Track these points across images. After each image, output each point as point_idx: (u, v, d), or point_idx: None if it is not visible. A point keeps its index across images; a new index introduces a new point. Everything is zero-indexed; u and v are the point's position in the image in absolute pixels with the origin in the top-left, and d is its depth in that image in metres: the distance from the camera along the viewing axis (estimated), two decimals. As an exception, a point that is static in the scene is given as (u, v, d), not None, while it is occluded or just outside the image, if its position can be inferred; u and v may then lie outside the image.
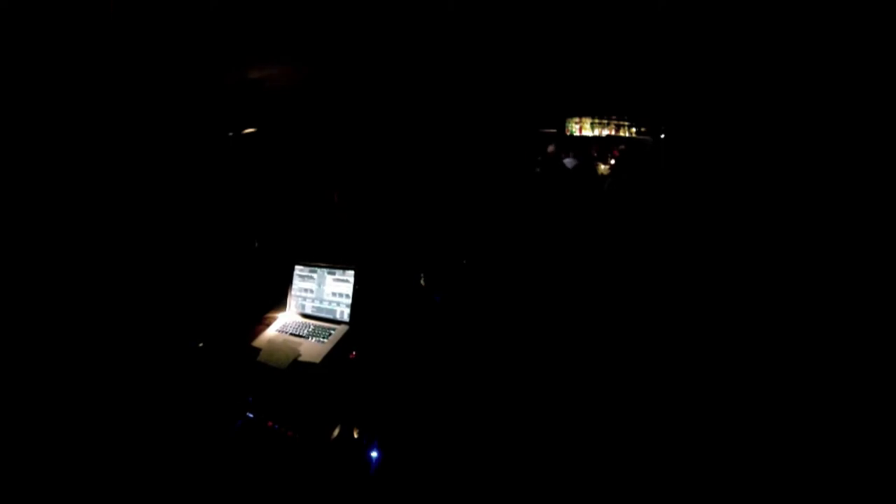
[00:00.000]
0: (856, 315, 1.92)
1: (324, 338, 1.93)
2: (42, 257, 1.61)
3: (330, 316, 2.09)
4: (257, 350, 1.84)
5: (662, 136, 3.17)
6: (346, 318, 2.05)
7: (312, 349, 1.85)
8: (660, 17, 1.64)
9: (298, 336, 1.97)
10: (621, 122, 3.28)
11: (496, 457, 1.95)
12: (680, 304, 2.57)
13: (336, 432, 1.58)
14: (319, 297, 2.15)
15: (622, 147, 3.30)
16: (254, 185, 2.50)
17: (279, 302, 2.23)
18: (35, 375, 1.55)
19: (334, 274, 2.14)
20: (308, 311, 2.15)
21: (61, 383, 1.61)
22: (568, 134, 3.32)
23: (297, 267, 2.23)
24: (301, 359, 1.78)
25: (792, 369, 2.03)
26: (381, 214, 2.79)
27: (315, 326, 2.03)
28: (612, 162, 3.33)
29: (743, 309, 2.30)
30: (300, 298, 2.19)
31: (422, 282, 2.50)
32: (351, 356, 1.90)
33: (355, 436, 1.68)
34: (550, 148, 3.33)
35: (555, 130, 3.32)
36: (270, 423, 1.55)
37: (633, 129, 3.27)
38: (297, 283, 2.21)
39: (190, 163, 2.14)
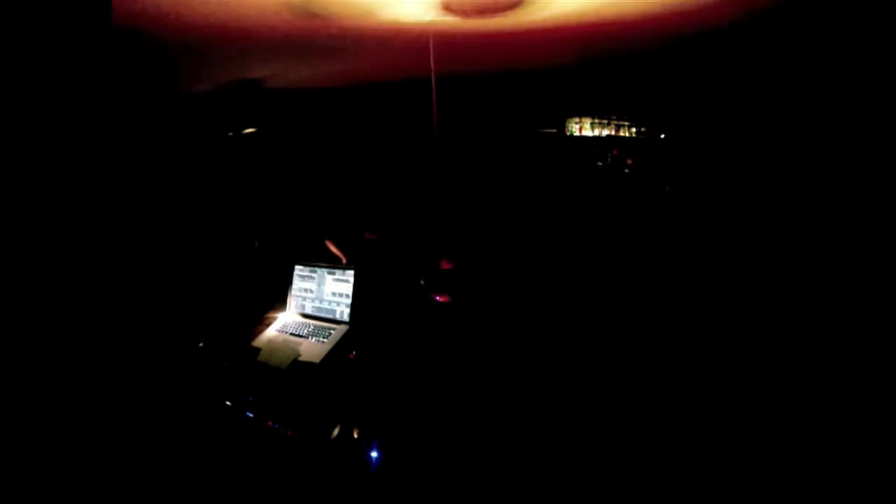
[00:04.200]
0: (856, 314, 1.92)
1: (324, 338, 1.93)
2: (42, 257, 1.61)
3: (330, 316, 2.09)
4: (257, 350, 1.84)
5: (662, 136, 3.17)
6: (345, 318, 2.05)
7: (312, 349, 1.85)
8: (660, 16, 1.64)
9: (298, 336, 1.98)
10: (621, 123, 3.28)
11: (496, 457, 1.95)
12: (681, 305, 2.57)
13: (336, 432, 1.58)
14: (319, 297, 2.15)
15: (621, 146, 3.30)
16: (254, 186, 2.49)
17: (279, 302, 2.23)
18: (35, 375, 1.55)
19: (334, 274, 2.14)
20: (308, 311, 2.16)
21: (62, 383, 1.61)
22: (568, 134, 3.31)
23: (297, 267, 2.24)
24: (301, 359, 1.78)
25: (794, 368, 2.03)
26: (381, 214, 2.79)
27: (315, 326, 2.03)
28: (612, 162, 3.33)
29: (745, 310, 2.30)
30: (300, 298, 2.19)
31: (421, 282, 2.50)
32: (351, 356, 1.90)
33: (355, 436, 1.67)
34: (551, 149, 3.33)
35: (555, 130, 3.31)
36: (270, 423, 1.55)
37: (633, 129, 3.27)
38: (297, 283, 2.22)
39: (190, 163, 2.14)
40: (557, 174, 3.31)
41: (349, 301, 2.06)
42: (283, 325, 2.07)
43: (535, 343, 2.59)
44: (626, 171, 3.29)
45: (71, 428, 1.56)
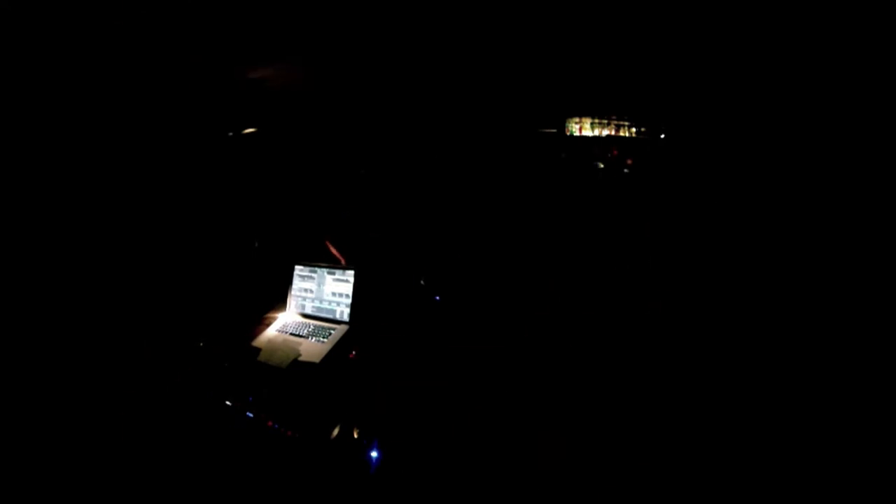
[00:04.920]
0: (857, 315, 1.92)
1: (324, 338, 1.93)
2: (43, 257, 1.61)
3: (330, 316, 2.09)
4: (257, 350, 1.84)
5: (662, 136, 3.17)
6: (345, 318, 2.05)
7: (312, 349, 1.85)
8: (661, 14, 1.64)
9: (298, 336, 1.98)
10: (621, 123, 3.27)
11: (496, 457, 1.95)
12: (681, 305, 2.57)
13: (336, 432, 1.58)
14: (319, 297, 2.15)
15: (621, 146, 3.30)
16: (254, 186, 2.49)
17: (279, 302, 2.23)
18: (36, 375, 1.55)
19: (334, 274, 2.14)
20: (308, 311, 2.16)
21: (62, 383, 1.61)
22: (568, 134, 3.31)
23: (297, 267, 2.24)
24: (301, 359, 1.78)
25: (794, 368, 2.03)
26: (381, 214, 2.79)
27: (315, 326, 2.03)
28: (612, 162, 3.33)
29: (745, 310, 2.30)
30: (300, 298, 2.19)
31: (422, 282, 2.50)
32: (351, 356, 1.90)
33: (355, 436, 1.67)
34: (551, 149, 3.33)
35: (555, 130, 3.31)
36: (270, 423, 1.55)
37: (633, 129, 3.27)
38: (297, 283, 2.22)
39: (190, 163, 2.14)
40: (557, 174, 3.31)
41: (349, 301, 2.06)
42: (283, 325, 2.07)
43: (536, 343, 2.59)
44: (626, 171, 3.29)
45: (71, 427, 1.56)
